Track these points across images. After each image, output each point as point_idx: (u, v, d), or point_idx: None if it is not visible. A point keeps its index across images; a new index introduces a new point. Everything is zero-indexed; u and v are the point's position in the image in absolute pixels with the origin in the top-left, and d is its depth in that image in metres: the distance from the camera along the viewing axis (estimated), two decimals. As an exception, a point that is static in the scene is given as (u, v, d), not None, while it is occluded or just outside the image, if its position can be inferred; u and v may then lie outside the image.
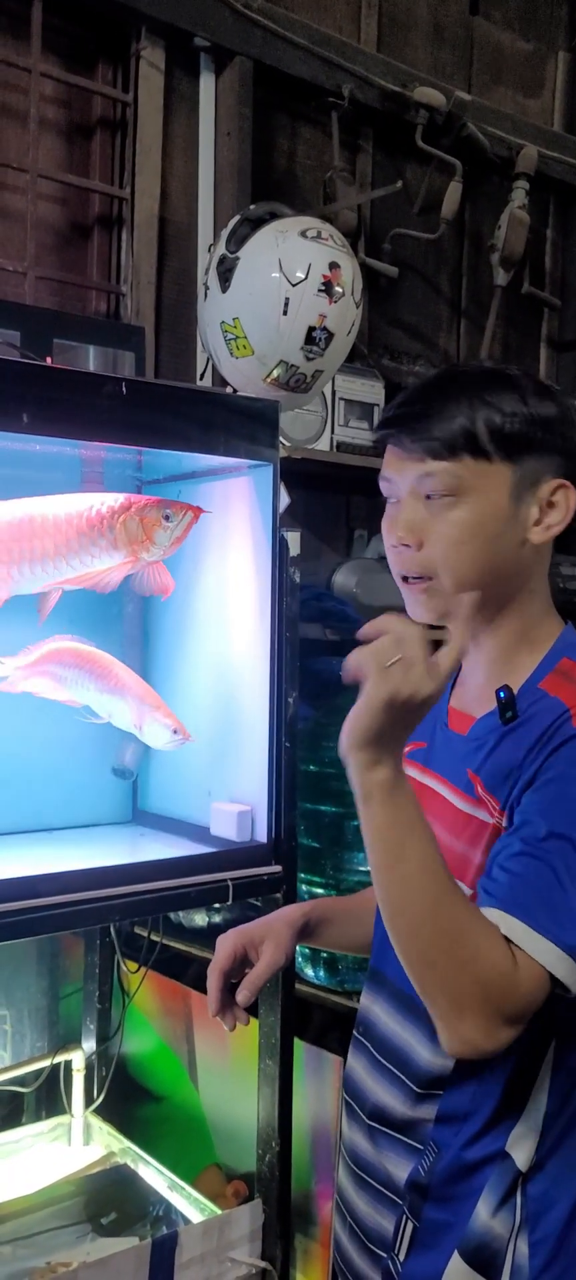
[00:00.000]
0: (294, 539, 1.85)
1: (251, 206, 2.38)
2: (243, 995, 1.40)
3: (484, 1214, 1.25)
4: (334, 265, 2.22)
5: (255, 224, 2.27)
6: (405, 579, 1.31)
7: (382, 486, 1.34)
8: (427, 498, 1.27)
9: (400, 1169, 1.31)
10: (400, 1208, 1.31)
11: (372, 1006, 1.40)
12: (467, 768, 1.29)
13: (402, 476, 1.29)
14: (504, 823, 1.21)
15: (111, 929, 2.24)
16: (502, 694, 1.25)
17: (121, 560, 1.73)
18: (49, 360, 1.93)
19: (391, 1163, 1.33)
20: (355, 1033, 1.44)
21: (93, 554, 1.71)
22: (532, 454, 1.26)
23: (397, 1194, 1.32)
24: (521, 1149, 1.24)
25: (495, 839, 1.22)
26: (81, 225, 2.83)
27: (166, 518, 1.71)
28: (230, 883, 1.78)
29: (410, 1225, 1.30)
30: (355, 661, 1.12)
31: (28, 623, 1.81)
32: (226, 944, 1.42)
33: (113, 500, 1.73)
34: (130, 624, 2.14)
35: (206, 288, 2.33)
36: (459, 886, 1.17)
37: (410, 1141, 1.31)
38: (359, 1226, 1.38)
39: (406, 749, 1.37)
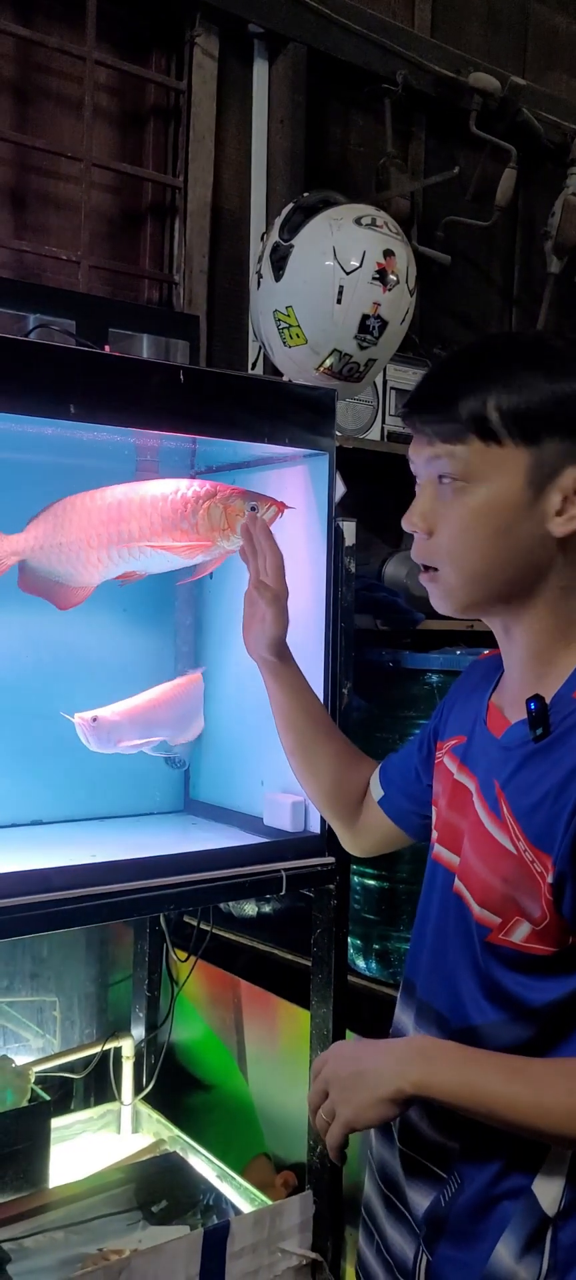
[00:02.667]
0: (349, 528, 1.84)
1: (305, 194, 2.36)
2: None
3: (506, 1257, 1.16)
4: (388, 253, 2.20)
5: (308, 212, 2.25)
6: (423, 567, 1.24)
7: (412, 469, 1.27)
8: (440, 480, 1.19)
9: (422, 1196, 1.25)
10: (419, 1237, 1.25)
11: (402, 1017, 1.35)
12: (495, 777, 1.22)
13: (418, 460, 1.22)
14: (551, 879, 1.12)
15: (161, 918, 2.24)
16: (533, 705, 1.16)
17: (197, 544, 1.71)
18: (107, 348, 1.93)
19: (414, 1188, 1.26)
20: None
21: (174, 538, 1.70)
22: (554, 438, 1.14)
23: (417, 1222, 1.26)
24: (547, 1190, 1.16)
25: (522, 873, 1.15)
26: (134, 214, 2.83)
27: (252, 509, 1.67)
28: (283, 873, 1.77)
29: (425, 1259, 1.24)
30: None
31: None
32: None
33: (198, 486, 1.72)
34: (183, 613, 2.14)
35: (259, 276, 2.31)
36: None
37: (436, 1169, 1.24)
38: (386, 1246, 1.32)
39: (450, 743, 1.33)
